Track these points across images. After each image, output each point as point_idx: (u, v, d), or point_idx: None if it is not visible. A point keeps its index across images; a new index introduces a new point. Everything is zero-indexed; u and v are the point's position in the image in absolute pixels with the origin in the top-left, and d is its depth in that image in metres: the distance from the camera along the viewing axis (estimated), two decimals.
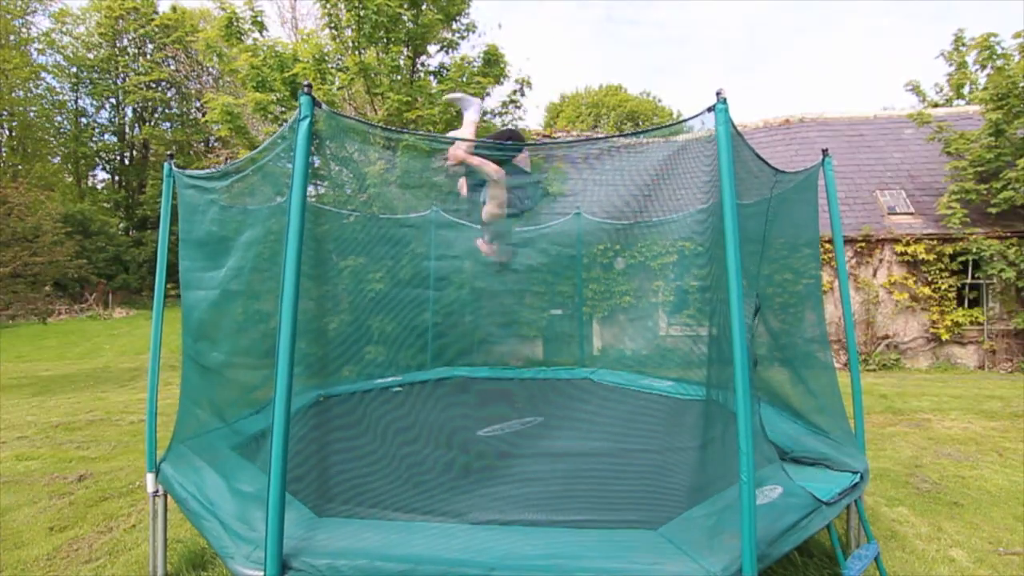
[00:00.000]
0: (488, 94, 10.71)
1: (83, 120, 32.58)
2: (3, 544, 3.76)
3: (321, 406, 4.57)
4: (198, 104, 30.41)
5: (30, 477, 5.10)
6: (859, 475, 2.89)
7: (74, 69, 31.15)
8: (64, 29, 30.80)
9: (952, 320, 10.89)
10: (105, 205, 31.77)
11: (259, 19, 9.97)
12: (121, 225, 30.81)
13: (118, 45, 31.86)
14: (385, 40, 9.56)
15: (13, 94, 28.52)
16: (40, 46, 30.25)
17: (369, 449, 3.52)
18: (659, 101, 39.98)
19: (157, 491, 3.20)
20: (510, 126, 11.48)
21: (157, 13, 31.37)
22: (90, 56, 31.30)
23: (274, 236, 3.85)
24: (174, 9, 31.05)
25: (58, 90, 31.44)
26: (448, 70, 10.34)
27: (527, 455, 3.43)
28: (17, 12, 28.87)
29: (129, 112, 33.16)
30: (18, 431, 6.74)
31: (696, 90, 69.16)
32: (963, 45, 12.45)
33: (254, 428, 3.42)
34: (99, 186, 34.33)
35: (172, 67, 29.55)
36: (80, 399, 8.84)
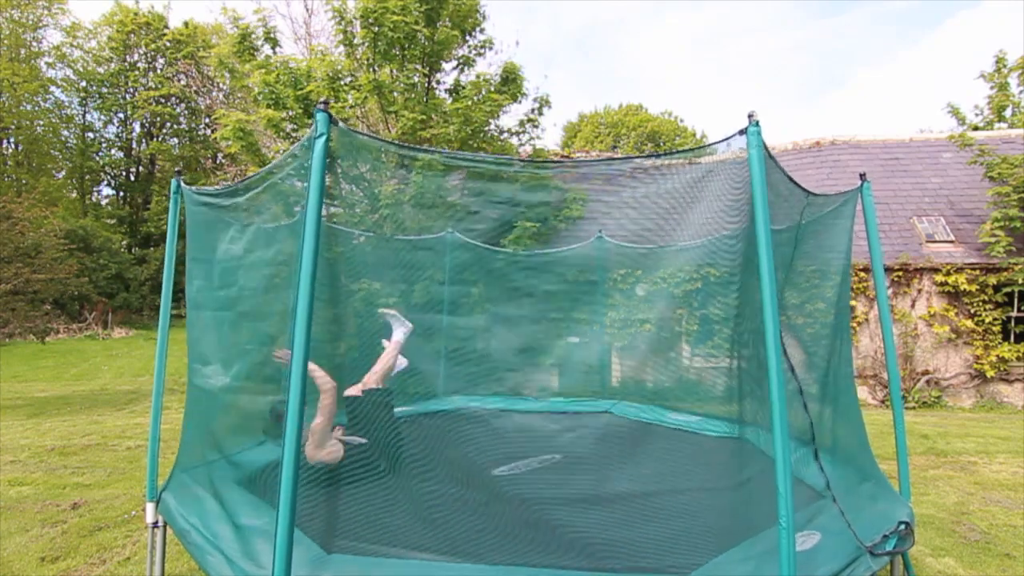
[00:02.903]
0: (505, 112, 10.88)
1: (90, 135, 33.42)
2: None
3: None
4: (207, 120, 31.11)
5: (22, 503, 5.11)
6: (906, 525, 2.82)
7: (83, 83, 32.05)
8: (75, 43, 31.81)
9: (997, 355, 10.67)
10: (108, 221, 32.37)
11: (272, 35, 10.25)
12: (124, 242, 31.32)
13: (128, 60, 32.78)
14: (400, 57, 9.76)
15: (21, 107, 29.40)
16: (50, 60, 31.27)
17: (378, 483, 3.50)
18: (681, 121, 40.27)
19: (157, 522, 3.20)
20: (528, 145, 11.60)
21: (168, 28, 32.32)
22: (100, 70, 32.22)
23: (284, 257, 3.90)
24: (186, 24, 31.99)
25: (66, 104, 32.38)
26: (464, 87, 10.51)
27: (546, 495, 3.39)
28: (29, 26, 29.93)
29: (137, 127, 33.95)
30: (11, 454, 6.78)
31: (720, 110, 69.66)
32: (1005, 66, 12.43)
33: (260, 457, 3.41)
34: (103, 202, 35.04)
35: (182, 82, 30.37)
36: (76, 422, 8.90)
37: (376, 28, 9.27)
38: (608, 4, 74.50)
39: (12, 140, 30.77)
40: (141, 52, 32.78)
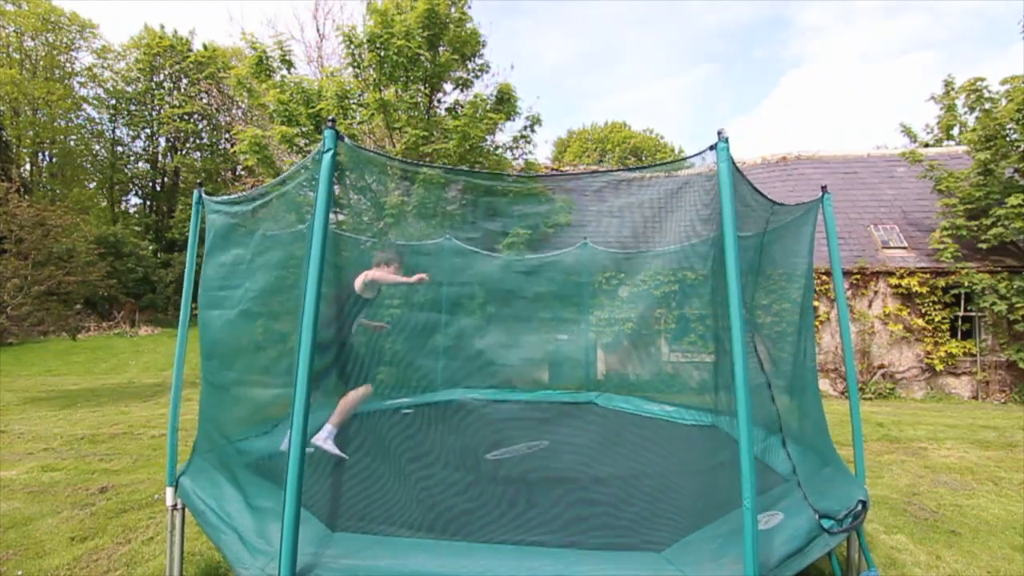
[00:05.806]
0: (501, 129, 10.88)
1: (119, 148, 33.21)
2: (26, 553, 3.73)
3: None
4: (227, 135, 30.98)
5: (54, 488, 5.07)
6: (861, 504, 2.83)
7: (113, 101, 31.87)
8: (105, 64, 31.63)
9: (946, 351, 10.74)
10: (136, 228, 32.21)
11: (287, 58, 10.22)
12: (150, 247, 31.16)
13: (155, 79, 32.61)
14: (404, 79, 9.75)
15: (56, 123, 29.22)
16: (83, 79, 31.05)
17: (381, 467, 3.49)
18: (661, 138, 40.38)
19: (176, 504, 3.17)
20: (521, 159, 11.61)
21: (192, 51, 32.20)
22: (128, 89, 32.04)
23: (295, 260, 3.89)
24: (206, 48, 31.86)
25: (97, 120, 32.17)
26: (463, 107, 10.51)
27: (534, 478, 3.38)
28: (63, 48, 29.75)
29: (162, 141, 33.77)
30: (44, 443, 6.73)
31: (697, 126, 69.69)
32: (952, 89, 12.52)
33: (271, 444, 3.39)
34: (131, 210, 34.85)
35: (204, 100, 30.25)
36: (105, 413, 8.84)
37: (382, 52, 9.27)
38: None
39: (47, 154, 30.59)
40: (166, 73, 32.62)
